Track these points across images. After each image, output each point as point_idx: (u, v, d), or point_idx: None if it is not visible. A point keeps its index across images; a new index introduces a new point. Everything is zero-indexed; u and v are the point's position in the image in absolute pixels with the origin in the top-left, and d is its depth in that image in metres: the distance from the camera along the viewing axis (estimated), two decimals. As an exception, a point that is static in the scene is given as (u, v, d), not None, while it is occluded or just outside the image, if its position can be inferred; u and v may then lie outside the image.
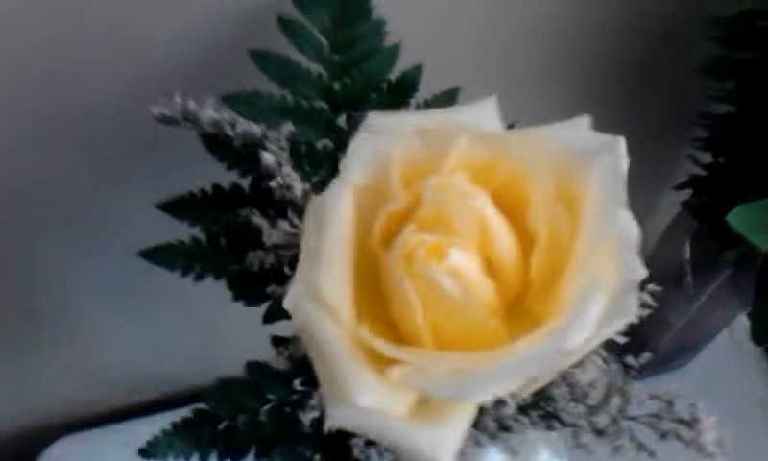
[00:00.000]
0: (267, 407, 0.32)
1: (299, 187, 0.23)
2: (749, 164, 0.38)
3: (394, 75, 0.31)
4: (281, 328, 0.30)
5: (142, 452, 0.31)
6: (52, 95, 0.35)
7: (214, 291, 0.45)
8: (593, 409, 0.22)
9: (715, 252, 0.46)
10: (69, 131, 0.37)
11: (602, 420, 0.22)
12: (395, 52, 0.31)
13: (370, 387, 0.19)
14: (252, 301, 0.30)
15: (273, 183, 0.23)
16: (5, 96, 0.34)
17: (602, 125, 0.22)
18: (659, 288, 0.27)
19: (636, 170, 0.56)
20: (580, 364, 0.21)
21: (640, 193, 0.56)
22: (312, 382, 0.33)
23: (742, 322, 0.66)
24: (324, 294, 0.20)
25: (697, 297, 0.50)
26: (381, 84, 0.31)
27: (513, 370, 0.18)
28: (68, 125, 0.37)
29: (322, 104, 0.30)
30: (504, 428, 0.24)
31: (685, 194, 0.46)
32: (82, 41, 0.32)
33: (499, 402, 0.22)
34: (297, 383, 0.32)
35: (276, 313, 0.30)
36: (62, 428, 0.60)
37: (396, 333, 0.21)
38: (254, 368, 0.31)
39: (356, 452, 0.27)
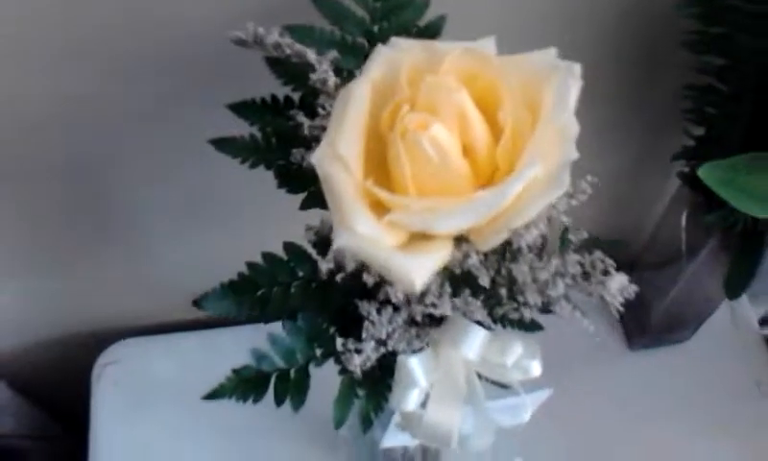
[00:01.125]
0: (297, 282, 0.39)
1: (332, 79, 0.31)
2: (730, 133, 0.43)
3: (423, 22, 0.38)
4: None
5: (195, 303, 0.39)
6: (135, 32, 0.43)
7: (258, 221, 0.52)
8: (537, 269, 0.29)
9: (708, 221, 0.51)
10: (162, 61, 0.46)
11: (544, 274, 0.29)
12: (425, 4, 0.38)
13: (367, 220, 0.27)
14: (292, 189, 0.37)
15: (313, 76, 0.31)
16: (92, 32, 0.42)
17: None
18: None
19: (644, 149, 0.62)
20: (528, 227, 0.28)
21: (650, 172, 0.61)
22: (335, 270, 0.40)
23: (742, 303, 0.70)
24: (342, 153, 0.27)
25: (690, 264, 0.56)
26: (412, 29, 0.38)
27: (469, 209, 0.26)
28: (161, 55, 0.45)
29: (363, 41, 0.38)
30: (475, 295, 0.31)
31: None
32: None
33: (466, 256, 0.29)
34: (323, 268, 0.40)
35: (311, 201, 0.37)
36: (123, 334, 0.68)
37: (392, 190, 0.28)
38: (289, 248, 0.39)
39: (364, 313, 0.35)
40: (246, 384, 0.39)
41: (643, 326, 0.65)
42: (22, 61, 0.43)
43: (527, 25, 0.45)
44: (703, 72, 0.42)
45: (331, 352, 0.39)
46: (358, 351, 0.35)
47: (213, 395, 0.39)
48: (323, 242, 0.36)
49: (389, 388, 0.39)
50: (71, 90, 0.45)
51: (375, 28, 0.38)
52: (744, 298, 0.70)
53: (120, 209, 0.58)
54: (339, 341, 0.35)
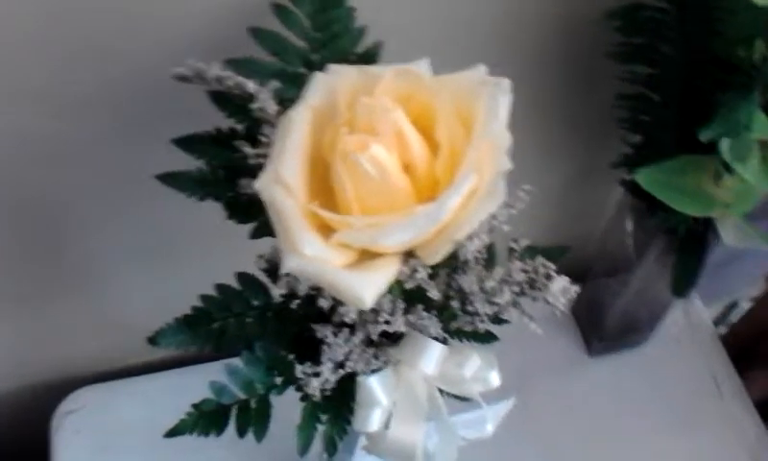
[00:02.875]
0: (252, 312, 0.40)
1: (272, 108, 0.31)
2: (664, 138, 0.45)
3: (360, 49, 0.39)
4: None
5: (150, 340, 0.39)
6: (94, 67, 0.44)
7: (227, 259, 0.53)
8: (483, 278, 0.30)
9: (650, 224, 0.53)
10: (105, 98, 0.46)
11: (490, 283, 0.29)
12: (361, 32, 0.39)
13: (313, 241, 0.27)
14: (242, 219, 0.38)
15: (254, 105, 0.31)
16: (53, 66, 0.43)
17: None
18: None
19: (588, 160, 0.63)
20: (471, 238, 0.29)
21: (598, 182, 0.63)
22: (289, 296, 0.41)
23: (695, 305, 0.72)
24: (284, 178, 0.28)
25: (639, 268, 0.57)
26: (350, 57, 0.39)
27: (411, 223, 0.26)
28: (105, 93, 0.46)
29: (303, 70, 0.39)
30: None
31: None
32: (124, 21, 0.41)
33: (414, 271, 0.29)
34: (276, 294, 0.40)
35: (261, 230, 0.38)
36: (82, 381, 0.66)
37: (337, 211, 0.29)
38: (243, 278, 0.39)
39: (320, 336, 0.35)
40: (207, 418, 0.39)
41: (600, 331, 0.67)
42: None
43: (460, 47, 0.47)
44: (633, 82, 0.44)
45: (291, 380, 0.40)
46: (316, 375, 0.36)
47: (174, 432, 0.39)
48: (274, 269, 0.37)
49: (351, 411, 0.40)
50: (21, 129, 0.45)
51: (315, 57, 0.39)
52: (697, 300, 0.72)
53: (77, 250, 0.57)
54: (298, 367, 0.36)
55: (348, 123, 0.28)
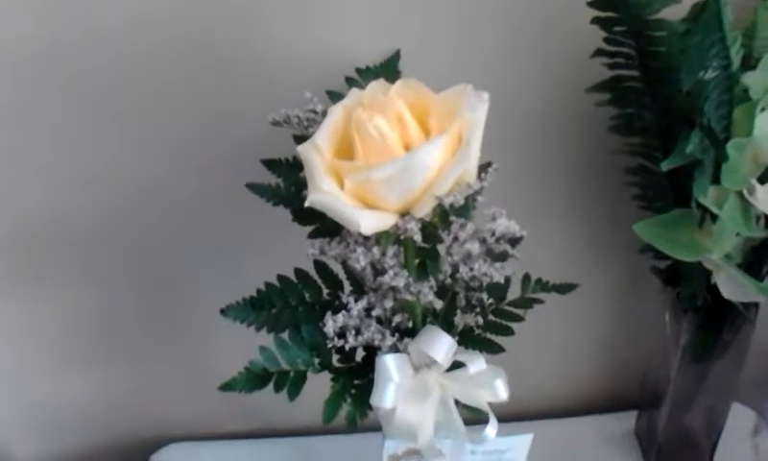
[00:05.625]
0: (304, 305, 0.49)
1: (320, 109, 0.44)
2: (666, 206, 0.52)
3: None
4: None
5: (221, 311, 0.49)
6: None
7: None
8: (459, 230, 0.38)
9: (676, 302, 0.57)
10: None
11: (463, 234, 0.38)
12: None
13: (329, 183, 0.38)
14: (304, 222, 0.49)
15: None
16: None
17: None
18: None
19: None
20: (449, 194, 0.38)
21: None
22: (335, 294, 0.50)
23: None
24: (316, 141, 0.40)
25: (676, 361, 0.60)
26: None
27: (394, 163, 0.37)
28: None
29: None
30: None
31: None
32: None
33: (407, 222, 0.39)
34: (325, 293, 0.50)
35: (317, 232, 0.48)
36: (171, 440, 0.73)
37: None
38: (299, 273, 0.50)
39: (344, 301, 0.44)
40: (254, 378, 0.47)
41: (657, 448, 0.67)
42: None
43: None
44: (632, 154, 0.52)
45: (327, 365, 0.48)
46: (342, 336, 0.44)
47: (227, 386, 0.47)
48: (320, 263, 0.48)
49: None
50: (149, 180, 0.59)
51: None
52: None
53: (185, 303, 0.69)
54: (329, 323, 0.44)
55: (365, 109, 0.40)
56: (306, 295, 0.50)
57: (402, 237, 0.40)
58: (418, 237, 0.39)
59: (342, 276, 0.49)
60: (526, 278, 0.49)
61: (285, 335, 0.48)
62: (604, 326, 0.71)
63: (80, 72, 0.55)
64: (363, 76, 0.53)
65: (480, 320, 0.45)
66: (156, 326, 0.70)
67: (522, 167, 0.59)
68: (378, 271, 0.42)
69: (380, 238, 0.40)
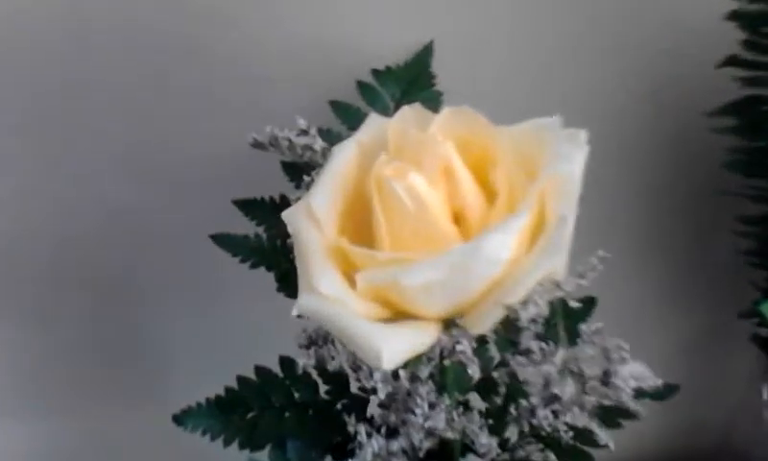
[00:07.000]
0: (293, 407, 0.35)
1: (319, 146, 0.29)
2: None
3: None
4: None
5: (175, 418, 0.35)
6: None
7: None
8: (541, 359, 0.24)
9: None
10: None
11: (548, 368, 0.23)
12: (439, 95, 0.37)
13: (332, 279, 0.23)
14: (291, 293, 0.34)
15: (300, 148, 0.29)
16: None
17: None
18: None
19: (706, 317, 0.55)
20: (525, 303, 0.23)
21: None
22: (337, 392, 0.36)
23: None
24: (314, 208, 0.25)
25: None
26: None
27: (441, 262, 0.22)
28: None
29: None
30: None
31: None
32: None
33: (456, 343, 0.24)
34: (323, 392, 0.35)
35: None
36: None
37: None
38: (286, 363, 0.35)
39: (351, 431, 0.29)
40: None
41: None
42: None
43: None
44: (757, 199, 0.37)
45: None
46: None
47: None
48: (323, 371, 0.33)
49: None
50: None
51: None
52: None
53: (152, 355, 0.56)
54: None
55: (391, 156, 0.25)
56: (295, 394, 0.35)
57: (446, 361, 0.25)
58: (473, 369, 0.24)
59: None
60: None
61: (265, 454, 0.34)
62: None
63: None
64: (381, 80, 0.38)
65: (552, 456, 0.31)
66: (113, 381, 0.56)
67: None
68: (400, 400, 0.27)
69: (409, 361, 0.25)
